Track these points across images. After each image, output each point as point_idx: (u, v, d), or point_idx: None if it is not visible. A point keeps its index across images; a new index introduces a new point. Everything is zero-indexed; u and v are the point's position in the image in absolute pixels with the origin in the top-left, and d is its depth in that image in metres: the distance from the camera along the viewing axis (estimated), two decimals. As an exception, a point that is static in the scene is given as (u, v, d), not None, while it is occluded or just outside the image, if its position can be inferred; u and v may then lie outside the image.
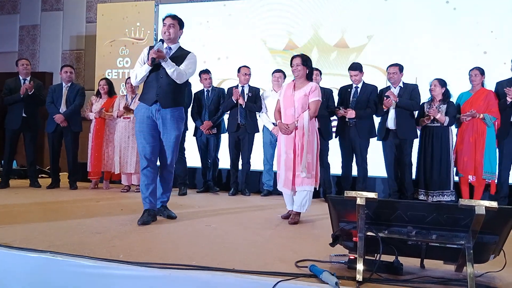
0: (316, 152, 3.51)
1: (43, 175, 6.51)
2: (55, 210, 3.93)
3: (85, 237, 2.72)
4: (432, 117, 4.56)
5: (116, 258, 2.20)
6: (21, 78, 5.54)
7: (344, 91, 5.07)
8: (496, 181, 4.62)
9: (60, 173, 5.69)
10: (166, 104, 3.35)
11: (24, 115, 5.41)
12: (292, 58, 3.61)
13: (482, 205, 1.80)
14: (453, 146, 4.70)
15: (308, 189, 3.45)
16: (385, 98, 4.71)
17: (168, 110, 3.36)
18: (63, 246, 2.41)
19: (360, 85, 4.94)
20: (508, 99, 4.45)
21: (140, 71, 3.36)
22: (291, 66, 3.58)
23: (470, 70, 4.74)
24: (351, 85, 5.00)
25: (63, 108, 5.42)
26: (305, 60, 3.54)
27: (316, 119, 3.63)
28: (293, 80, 3.64)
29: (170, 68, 3.29)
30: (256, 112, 5.37)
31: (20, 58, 6.08)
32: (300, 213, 3.54)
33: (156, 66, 3.33)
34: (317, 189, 3.69)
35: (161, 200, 3.54)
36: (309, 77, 3.58)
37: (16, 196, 4.76)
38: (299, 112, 3.48)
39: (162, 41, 3.40)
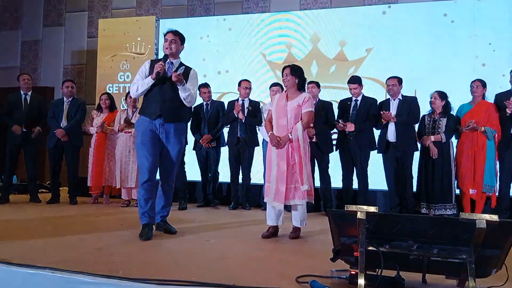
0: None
1: (43, 190, 6.50)
2: (55, 225, 3.92)
3: (85, 253, 2.71)
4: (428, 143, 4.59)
5: (115, 274, 2.18)
6: (22, 93, 5.57)
7: (344, 104, 5.09)
8: (496, 194, 4.59)
9: (60, 188, 5.67)
10: (170, 119, 3.34)
11: (24, 130, 5.42)
12: (283, 69, 3.61)
13: (483, 218, 1.80)
14: (454, 158, 4.69)
15: (303, 203, 3.42)
16: (382, 112, 4.71)
17: (172, 125, 3.36)
18: (63, 263, 2.39)
19: (359, 98, 4.96)
20: (508, 111, 4.45)
21: (142, 84, 3.34)
22: (282, 76, 3.60)
23: (472, 82, 4.72)
24: (351, 98, 5.02)
25: (64, 123, 5.43)
26: (294, 70, 3.52)
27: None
28: (285, 91, 3.65)
29: (185, 92, 3.32)
30: (256, 126, 5.38)
31: (22, 73, 6.10)
32: (300, 227, 3.51)
33: (159, 80, 3.30)
34: (313, 203, 3.67)
35: (161, 214, 3.51)
36: (300, 87, 3.57)
37: (16, 211, 4.74)
38: (292, 123, 3.43)
39: (166, 56, 3.37)
